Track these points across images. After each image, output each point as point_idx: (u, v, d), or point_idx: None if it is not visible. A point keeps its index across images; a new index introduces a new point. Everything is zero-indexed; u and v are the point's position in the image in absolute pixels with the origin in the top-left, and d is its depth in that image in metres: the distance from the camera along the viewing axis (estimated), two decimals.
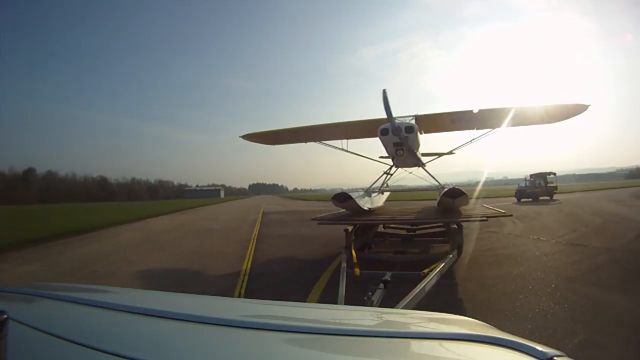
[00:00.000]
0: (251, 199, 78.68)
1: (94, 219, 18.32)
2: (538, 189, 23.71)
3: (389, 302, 2.63)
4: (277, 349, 0.72)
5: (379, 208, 7.62)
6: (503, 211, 5.84)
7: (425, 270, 3.56)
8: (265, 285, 4.95)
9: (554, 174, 25.91)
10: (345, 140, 7.80)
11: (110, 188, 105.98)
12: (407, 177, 8.14)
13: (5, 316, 0.49)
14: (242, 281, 5.04)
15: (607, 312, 3.51)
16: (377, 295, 2.77)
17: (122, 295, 1.28)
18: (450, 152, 8.28)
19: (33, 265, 7.22)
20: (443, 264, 3.80)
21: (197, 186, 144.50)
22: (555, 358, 0.60)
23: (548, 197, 23.70)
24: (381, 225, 7.13)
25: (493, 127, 7.16)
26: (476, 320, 0.91)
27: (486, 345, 0.67)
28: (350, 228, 5.28)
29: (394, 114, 5.74)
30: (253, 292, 4.54)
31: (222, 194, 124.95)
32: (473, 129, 7.26)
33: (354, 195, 6.09)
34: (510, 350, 0.64)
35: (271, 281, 5.16)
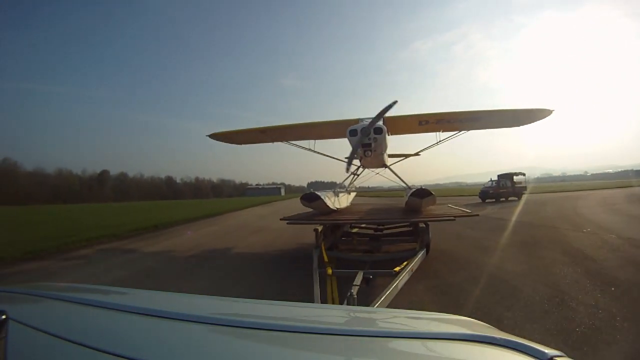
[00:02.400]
0: None
1: (202, 210, 21.94)
2: (503, 189, 23.59)
3: (364, 300, 2.79)
4: (278, 349, 0.73)
5: (346, 208, 7.72)
6: (469, 211, 6.13)
7: (397, 269, 3.65)
8: None
9: (523, 174, 26.13)
10: (313, 141, 7.86)
11: (177, 187, 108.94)
12: (376, 177, 8.43)
13: (5, 316, 0.50)
14: None
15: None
16: (355, 292, 2.85)
17: (122, 295, 1.27)
18: (416, 154, 8.55)
19: (215, 227, 13.01)
20: (414, 262, 3.93)
21: (257, 184, 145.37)
22: (555, 358, 0.60)
23: (516, 198, 23.38)
24: (349, 225, 7.15)
25: (459, 130, 7.39)
26: (476, 320, 0.91)
27: (486, 345, 0.67)
28: (320, 228, 5.42)
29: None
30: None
31: (282, 191, 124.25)
32: (439, 131, 7.44)
33: (322, 195, 6.23)
34: (510, 350, 0.64)
35: None
